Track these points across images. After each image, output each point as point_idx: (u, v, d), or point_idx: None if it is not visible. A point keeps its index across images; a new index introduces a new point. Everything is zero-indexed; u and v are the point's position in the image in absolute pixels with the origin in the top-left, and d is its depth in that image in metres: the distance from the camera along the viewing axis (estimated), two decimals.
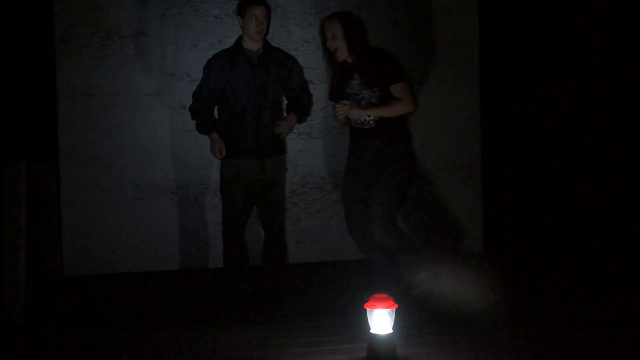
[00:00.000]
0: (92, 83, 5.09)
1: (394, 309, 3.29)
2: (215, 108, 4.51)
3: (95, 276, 5.08)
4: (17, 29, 5.21)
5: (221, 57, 4.42)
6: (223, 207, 4.48)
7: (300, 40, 5.26)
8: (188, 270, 5.20)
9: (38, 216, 4.57)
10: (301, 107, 4.54)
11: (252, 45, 4.38)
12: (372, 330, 3.28)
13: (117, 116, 5.13)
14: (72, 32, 5.07)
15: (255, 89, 4.35)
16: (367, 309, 3.30)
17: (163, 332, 3.82)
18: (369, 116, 4.21)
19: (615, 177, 5.82)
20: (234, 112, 4.38)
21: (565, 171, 5.91)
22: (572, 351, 3.38)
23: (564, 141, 5.92)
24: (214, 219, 5.10)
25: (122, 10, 5.12)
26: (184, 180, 5.20)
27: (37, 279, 4.66)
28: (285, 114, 4.59)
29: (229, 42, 4.72)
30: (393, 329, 3.28)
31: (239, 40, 4.43)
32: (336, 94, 4.35)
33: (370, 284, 4.30)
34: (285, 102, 4.64)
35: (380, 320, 3.25)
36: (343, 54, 4.26)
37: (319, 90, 5.08)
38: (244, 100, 4.36)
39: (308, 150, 5.33)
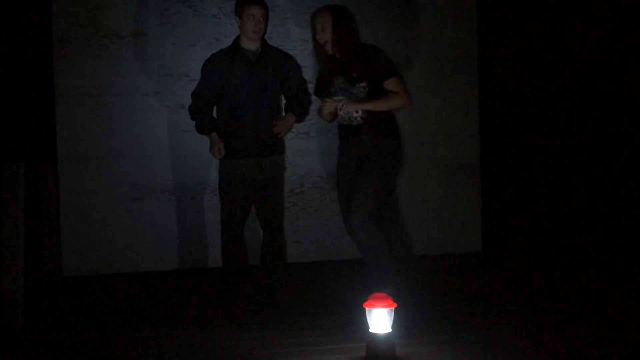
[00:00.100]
0: (90, 83, 5.09)
1: (393, 308, 3.29)
2: (215, 108, 4.51)
3: (94, 276, 5.08)
4: (16, 29, 5.22)
5: (219, 57, 4.41)
6: (222, 207, 4.47)
7: (299, 39, 5.26)
8: (187, 270, 5.20)
9: (37, 217, 4.57)
10: (300, 107, 4.53)
11: (250, 45, 4.37)
12: (371, 330, 3.28)
13: (115, 116, 5.12)
14: (71, 32, 5.06)
15: (253, 89, 4.35)
16: (366, 308, 3.30)
17: (161, 332, 3.82)
18: (357, 112, 4.16)
19: (614, 176, 5.83)
20: (233, 112, 4.37)
21: (564, 170, 5.92)
22: (572, 350, 3.38)
23: (563, 141, 5.93)
24: (212, 219, 5.10)
25: (121, 10, 5.12)
26: (183, 180, 5.20)
27: (36, 279, 4.66)
28: (283, 114, 4.58)
29: (227, 42, 4.72)
30: (392, 328, 3.28)
31: (237, 40, 4.42)
32: (323, 89, 4.30)
33: (369, 283, 4.29)
34: (283, 101, 4.64)
35: (380, 319, 3.25)
36: (332, 48, 4.21)
37: None
38: (243, 100, 4.35)
39: (307, 149, 5.33)
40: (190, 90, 4.52)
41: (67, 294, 4.72)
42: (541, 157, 5.92)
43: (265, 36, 4.45)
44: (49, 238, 4.76)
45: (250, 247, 4.62)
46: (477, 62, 5.54)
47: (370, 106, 4.12)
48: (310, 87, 4.57)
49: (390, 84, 4.15)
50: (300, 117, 4.58)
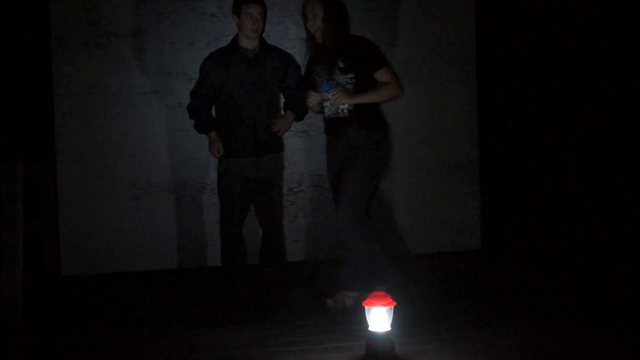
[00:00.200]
0: (88, 82, 5.09)
1: (392, 307, 3.29)
2: (213, 107, 4.50)
3: (94, 276, 5.08)
4: (14, 29, 5.21)
5: (218, 56, 4.41)
6: (221, 206, 4.47)
7: (298, 38, 5.25)
8: (186, 269, 5.20)
9: (35, 216, 4.56)
10: (299, 105, 4.52)
11: (249, 43, 4.37)
12: (370, 328, 3.28)
13: (114, 115, 5.12)
14: (69, 31, 5.06)
15: (252, 87, 4.35)
16: (366, 307, 3.29)
17: (161, 331, 3.81)
18: (343, 104, 4.12)
19: (613, 174, 5.83)
20: (232, 110, 4.37)
21: (563, 168, 5.92)
22: (572, 349, 3.38)
23: (561, 139, 5.93)
24: (211, 218, 5.10)
25: (119, 9, 5.12)
26: (182, 179, 5.20)
27: (35, 279, 4.65)
28: (282, 112, 4.58)
29: (225, 41, 4.72)
30: (391, 326, 3.28)
31: (235, 38, 4.42)
32: (310, 78, 4.27)
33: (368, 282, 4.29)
34: (282, 100, 4.63)
35: (379, 317, 3.25)
36: (322, 37, 4.17)
37: None
38: (241, 99, 4.35)
39: (305, 148, 5.33)
40: (189, 89, 4.52)
41: (66, 293, 4.72)
42: (540, 156, 5.92)
43: (264, 35, 4.45)
44: (47, 237, 4.76)
45: (249, 246, 4.62)
46: (477, 62, 5.54)
47: (363, 99, 4.09)
48: None
49: (380, 75, 4.14)
50: (299, 116, 4.58)
